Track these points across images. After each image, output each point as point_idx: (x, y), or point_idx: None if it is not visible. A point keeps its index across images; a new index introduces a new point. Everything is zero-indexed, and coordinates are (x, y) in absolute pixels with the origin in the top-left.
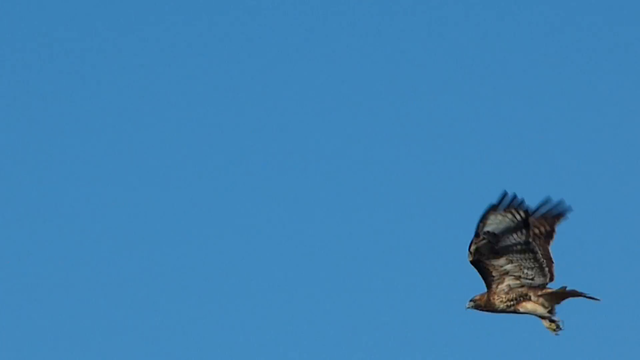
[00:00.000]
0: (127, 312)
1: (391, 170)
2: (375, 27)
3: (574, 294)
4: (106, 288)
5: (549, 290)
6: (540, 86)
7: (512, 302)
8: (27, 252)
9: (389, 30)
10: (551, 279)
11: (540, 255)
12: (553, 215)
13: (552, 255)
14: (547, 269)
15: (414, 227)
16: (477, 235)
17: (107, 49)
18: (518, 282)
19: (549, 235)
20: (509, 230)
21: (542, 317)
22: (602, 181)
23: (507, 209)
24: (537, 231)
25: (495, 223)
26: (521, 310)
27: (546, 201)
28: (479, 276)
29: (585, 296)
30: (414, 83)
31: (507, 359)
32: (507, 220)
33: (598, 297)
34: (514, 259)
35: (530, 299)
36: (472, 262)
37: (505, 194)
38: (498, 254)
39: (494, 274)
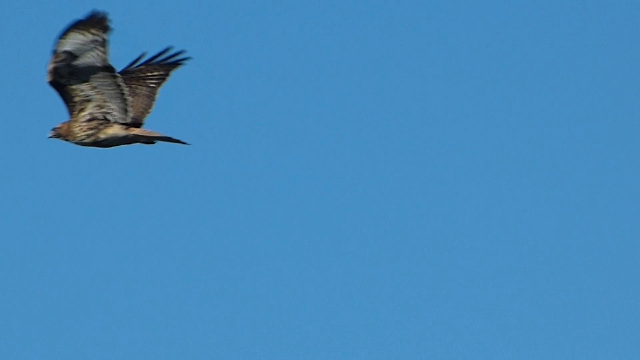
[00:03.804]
0: (127, 313)
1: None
2: (374, 27)
3: (164, 138)
4: (105, 289)
5: (137, 131)
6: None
7: (92, 131)
8: (26, 253)
9: (387, 29)
10: (136, 122)
11: (127, 94)
12: (170, 63)
13: (156, 97)
14: (131, 109)
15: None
16: (54, 53)
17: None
18: (100, 112)
19: (161, 78)
20: (89, 53)
21: (136, 141)
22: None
23: (91, 26)
24: (149, 74)
25: (77, 42)
26: (102, 137)
27: (166, 50)
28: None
29: (174, 140)
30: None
31: None
32: (89, 39)
33: (188, 142)
34: (97, 86)
35: (111, 125)
36: (51, 84)
37: (94, 13)
38: (80, 78)
39: (75, 99)
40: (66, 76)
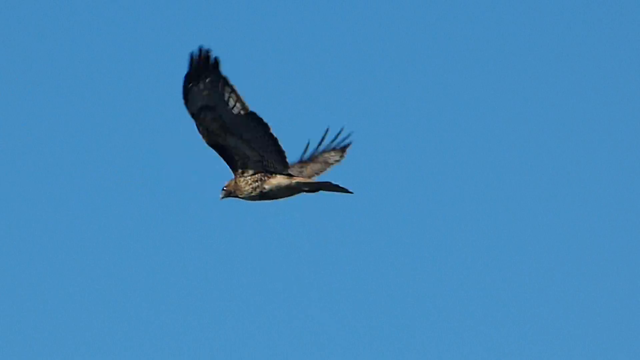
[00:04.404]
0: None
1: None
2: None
3: (328, 186)
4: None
5: (300, 179)
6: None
7: (257, 183)
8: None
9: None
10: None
11: (280, 144)
12: (343, 146)
13: (330, 169)
14: (284, 154)
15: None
16: (193, 117)
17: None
18: (261, 165)
19: (340, 158)
20: (224, 100)
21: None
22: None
23: (198, 74)
24: (328, 157)
25: (200, 94)
26: (267, 187)
27: (338, 133)
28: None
29: (339, 189)
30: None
31: None
32: (206, 85)
33: (351, 190)
34: (251, 140)
35: (274, 176)
36: (211, 145)
37: (191, 58)
38: (233, 133)
39: (236, 157)
40: (221, 134)
